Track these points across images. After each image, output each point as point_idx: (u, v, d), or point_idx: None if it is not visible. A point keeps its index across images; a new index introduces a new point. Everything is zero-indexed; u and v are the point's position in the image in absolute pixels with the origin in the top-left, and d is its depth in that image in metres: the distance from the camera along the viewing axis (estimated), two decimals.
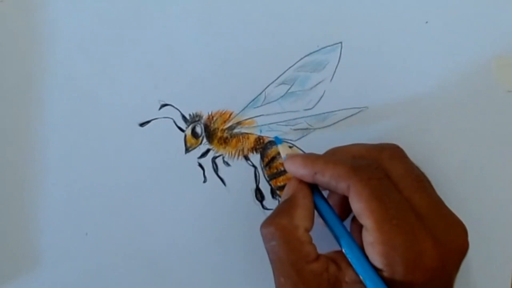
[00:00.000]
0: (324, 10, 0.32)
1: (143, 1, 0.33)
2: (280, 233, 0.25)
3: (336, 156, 0.28)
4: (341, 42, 0.32)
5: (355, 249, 0.25)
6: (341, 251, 0.26)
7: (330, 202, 0.28)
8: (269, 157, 0.32)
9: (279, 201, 0.32)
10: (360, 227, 0.26)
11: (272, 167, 0.32)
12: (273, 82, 0.32)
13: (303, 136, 0.32)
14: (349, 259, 0.25)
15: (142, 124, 0.33)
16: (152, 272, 0.32)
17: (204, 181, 0.32)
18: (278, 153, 0.32)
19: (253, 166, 0.32)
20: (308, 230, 0.26)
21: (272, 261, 0.26)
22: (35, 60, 0.33)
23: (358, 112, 0.32)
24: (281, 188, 0.32)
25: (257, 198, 0.32)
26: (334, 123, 0.32)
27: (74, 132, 0.33)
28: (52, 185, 0.33)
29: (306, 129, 0.32)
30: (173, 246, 0.32)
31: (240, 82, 0.32)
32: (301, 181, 0.27)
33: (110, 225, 0.32)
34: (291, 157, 0.28)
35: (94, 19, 0.33)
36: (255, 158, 0.32)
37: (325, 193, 0.28)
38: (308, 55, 0.32)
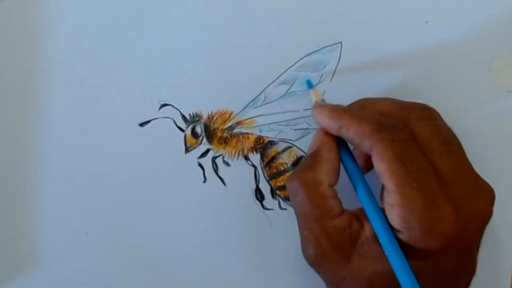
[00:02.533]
0: (324, 10, 0.32)
1: (143, 1, 0.33)
2: (304, 187, 0.25)
3: (363, 111, 0.27)
4: (341, 42, 0.32)
5: (373, 207, 0.25)
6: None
7: (356, 154, 0.28)
8: (269, 157, 0.32)
9: (279, 201, 0.32)
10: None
11: (272, 167, 0.32)
12: (273, 82, 0.32)
13: (303, 136, 0.32)
14: (367, 215, 0.25)
15: (142, 124, 0.33)
16: (152, 272, 0.32)
17: (204, 181, 0.32)
18: (278, 153, 0.32)
19: (253, 166, 0.32)
20: (332, 185, 0.26)
21: (297, 215, 0.26)
22: (35, 60, 0.33)
23: None
24: (281, 188, 0.32)
25: (257, 198, 0.32)
26: None
27: (74, 132, 0.33)
28: (52, 185, 0.33)
29: (306, 129, 0.32)
30: (173, 246, 0.32)
31: (240, 82, 0.32)
32: (327, 133, 0.27)
33: (110, 225, 0.32)
34: (319, 105, 0.28)
35: (94, 19, 0.33)
36: (255, 158, 0.32)
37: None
38: (308, 55, 0.32)
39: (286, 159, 0.32)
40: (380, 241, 0.24)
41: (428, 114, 0.27)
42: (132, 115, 0.32)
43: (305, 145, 0.32)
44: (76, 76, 0.33)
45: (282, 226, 0.32)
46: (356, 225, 0.25)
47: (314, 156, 0.27)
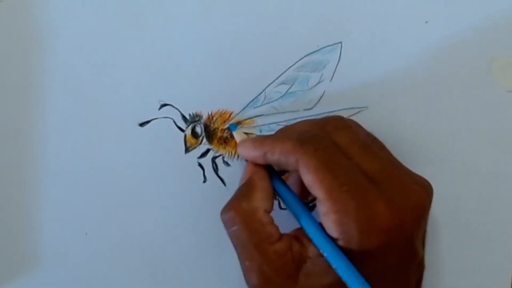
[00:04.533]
0: (324, 10, 0.32)
1: (143, 1, 0.33)
2: (240, 216, 0.26)
3: (283, 134, 0.28)
4: (341, 42, 0.32)
5: (311, 222, 0.25)
6: (302, 228, 0.26)
7: (291, 182, 0.28)
8: None
9: (279, 201, 0.32)
10: None
11: None
12: (273, 82, 0.32)
13: None
14: (307, 232, 0.25)
15: (142, 124, 0.33)
16: (152, 272, 0.32)
17: (204, 181, 0.32)
18: None
19: None
20: (268, 211, 0.26)
21: (235, 247, 0.26)
22: (35, 60, 0.33)
23: (358, 112, 0.32)
24: None
25: None
26: None
27: (74, 132, 0.33)
28: (52, 185, 0.33)
29: None
30: (173, 246, 0.32)
31: (240, 82, 0.32)
32: (256, 164, 0.28)
33: (110, 225, 0.32)
34: (242, 142, 0.29)
35: (94, 19, 0.33)
36: None
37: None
38: (308, 55, 0.32)
39: None
40: (324, 253, 0.24)
41: (342, 123, 0.27)
42: (132, 115, 0.32)
43: None
44: (76, 76, 0.33)
45: (282, 226, 0.32)
46: (297, 246, 0.25)
47: (247, 185, 0.27)
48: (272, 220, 0.26)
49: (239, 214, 0.26)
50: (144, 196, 0.32)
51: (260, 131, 0.32)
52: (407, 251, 0.25)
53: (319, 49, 0.32)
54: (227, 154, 0.32)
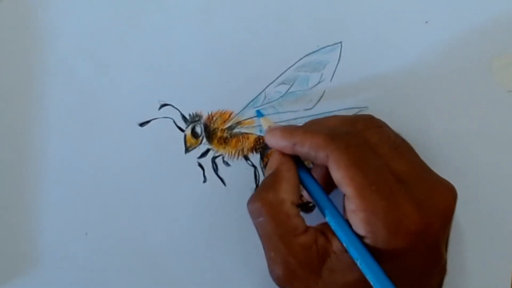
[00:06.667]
0: (324, 10, 0.32)
1: (143, 1, 0.33)
2: (267, 208, 0.25)
3: (314, 126, 0.28)
4: (341, 42, 0.32)
5: (337, 218, 0.25)
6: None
7: (315, 175, 0.28)
8: (269, 157, 0.32)
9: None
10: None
11: None
12: (273, 82, 0.32)
13: None
14: (332, 228, 0.25)
15: (142, 124, 0.33)
16: (152, 272, 0.32)
17: (204, 181, 0.32)
18: None
19: (253, 166, 0.32)
20: (294, 203, 0.26)
21: (261, 237, 0.26)
22: (35, 60, 0.33)
23: (358, 112, 0.32)
24: None
25: None
26: None
27: (74, 132, 0.33)
28: (52, 185, 0.33)
29: None
30: (173, 246, 0.32)
31: (240, 82, 0.32)
32: (283, 154, 0.27)
33: (110, 225, 0.32)
34: (271, 129, 0.28)
35: (94, 19, 0.33)
36: (255, 158, 0.32)
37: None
38: (308, 55, 0.32)
39: None
40: (349, 250, 0.24)
41: (373, 123, 0.27)
42: (132, 115, 0.32)
43: None
44: (76, 76, 0.33)
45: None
46: (322, 240, 0.25)
47: (274, 176, 0.27)
48: (298, 212, 0.26)
49: (265, 205, 0.25)
50: (144, 196, 0.32)
51: (260, 131, 0.32)
52: (432, 254, 0.25)
53: (319, 49, 0.32)
54: (227, 154, 0.32)
